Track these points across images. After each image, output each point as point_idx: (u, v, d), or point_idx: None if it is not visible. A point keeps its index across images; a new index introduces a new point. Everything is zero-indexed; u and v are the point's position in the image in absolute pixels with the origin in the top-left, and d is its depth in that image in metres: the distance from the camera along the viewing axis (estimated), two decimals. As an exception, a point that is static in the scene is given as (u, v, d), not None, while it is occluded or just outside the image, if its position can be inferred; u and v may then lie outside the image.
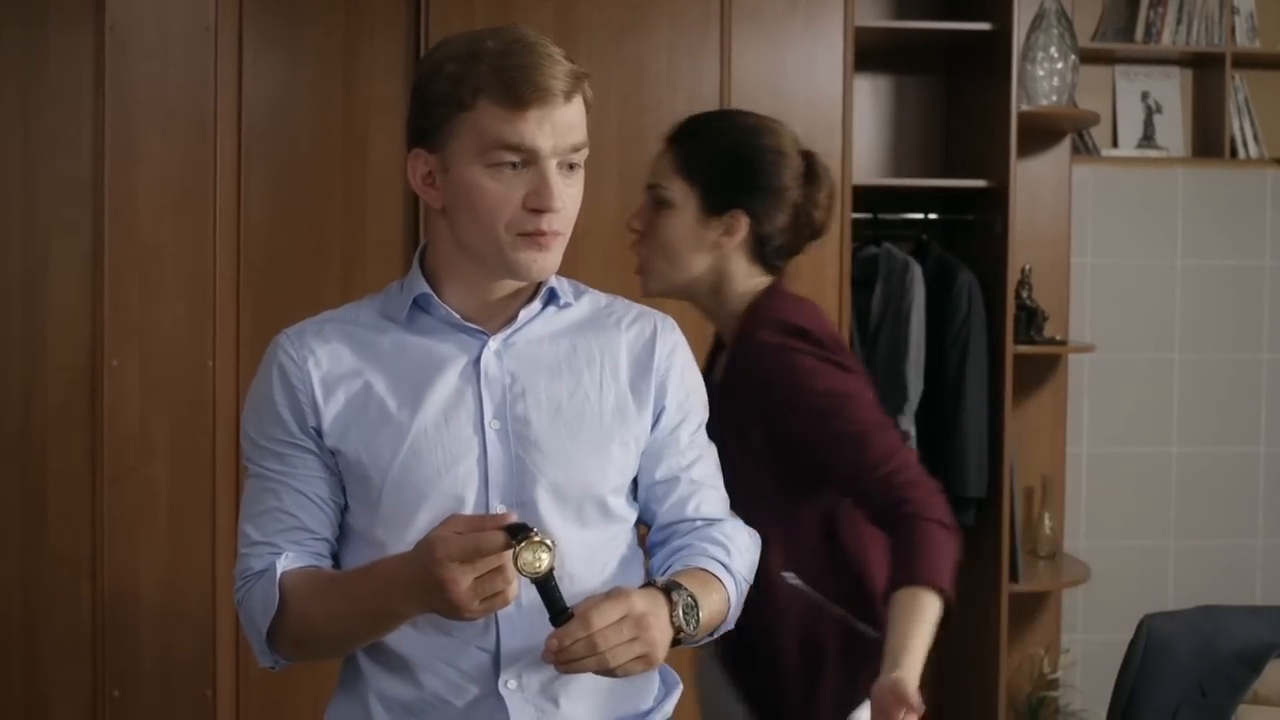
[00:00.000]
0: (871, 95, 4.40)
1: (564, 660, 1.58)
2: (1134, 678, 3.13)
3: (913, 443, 4.11)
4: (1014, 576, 4.10)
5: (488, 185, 1.72)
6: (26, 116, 3.47)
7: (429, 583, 1.56)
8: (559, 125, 1.71)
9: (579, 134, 1.75)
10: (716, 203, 2.28)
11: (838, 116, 3.82)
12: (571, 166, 1.76)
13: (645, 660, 1.62)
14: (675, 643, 1.69)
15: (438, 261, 1.85)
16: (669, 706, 1.95)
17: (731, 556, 1.83)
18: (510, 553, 1.54)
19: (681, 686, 1.98)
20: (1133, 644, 3.10)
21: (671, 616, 1.66)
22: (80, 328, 3.48)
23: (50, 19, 3.46)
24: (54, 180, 3.48)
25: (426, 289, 1.83)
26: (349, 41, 3.67)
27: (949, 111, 4.45)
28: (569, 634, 1.57)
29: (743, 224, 2.30)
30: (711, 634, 1.82)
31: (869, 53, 4.07)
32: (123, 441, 3.48)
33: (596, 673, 1.61)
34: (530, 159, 1.71)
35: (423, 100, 1.76)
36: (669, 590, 1.69)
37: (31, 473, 3.48)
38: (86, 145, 3.48)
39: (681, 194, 2.28)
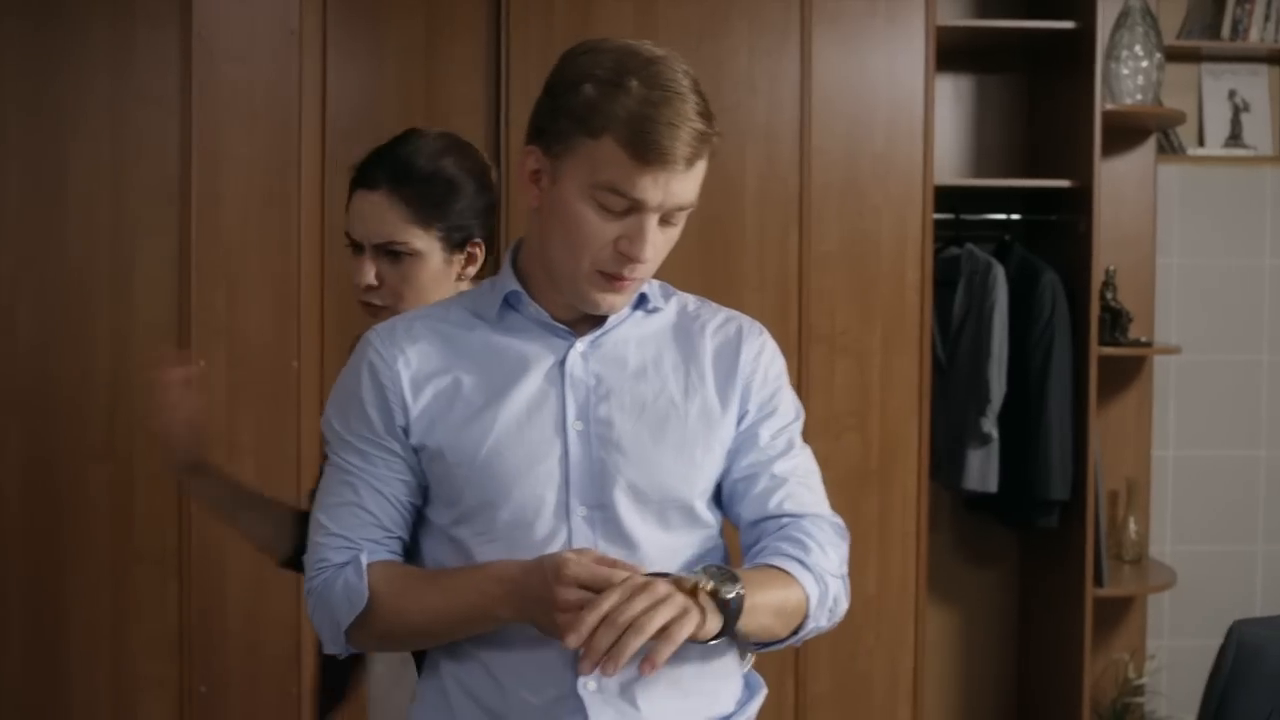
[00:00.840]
0: (953, 95, 4.37)
1: (597, 656, 1.55)
2: (1223, 685, 3.07)
3: (995, 445, 4.08)
4: (1099, 581, 4.05)
5: (587, 217, 1.72)
6: (114, 119, 3.51)
7: (543, 596, 1.59)
8: (672, 188, 1.70)
9: (690, 196, 1.74)
10: (457, 241, 2.25)
11: (919, 117, 3.80)
12: (669, 221, 1.76)
13: (687, 620, 1.57)
14: (728, 630, 1.64)
15: (530, 261, 1.86)
16: (752, 710, 1.93)
17: (809, 553, 1.80)
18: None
19: (765, 691, 1.96)
20: (1222, 650, 3.05)
21: (680, 585, 1.61)
22: (167, 328, 3.52)
23: (137, 22, 3.51)
24: (141, 182, 3.52)
25: (517, 287, 1.84)
26: (430, 43, 3.69)
27: (1032, 111, 4.41)
28: (584, 623, 1.55)
29: (480, 250, 2.29)
30: (797, 631, 1.79)
31: (950, 52, 4.04)
32: (209, 441, 3.51)
33: (655, 660, 1.56)
34: (635, 209, 1.71)
35: (554, 105, 1.75)
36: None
37: (119, 472, 3.53)
38: (173, 147, 3.52)
39: (424, 243, 2.22)
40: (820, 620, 1.80)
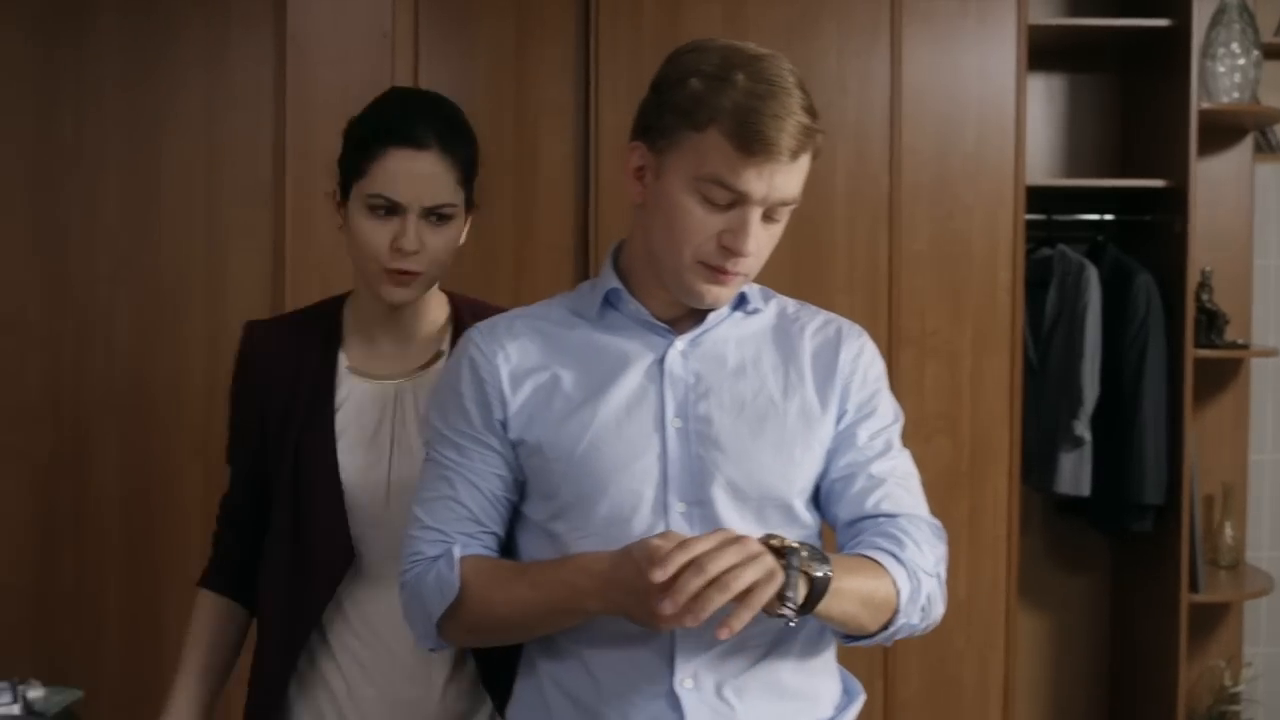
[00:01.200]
0: (1045, 94, 4.32)
1: (679, 598, 1.53)
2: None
3: (1088, 448, 4.03)
4: (1194, 586, 3.99)
5: (691, 210, 1.73)
6: (209, 120, 3.57)
7: (635, 584, 1.58)
8: (776, 180, 1.71)
9: (793, 190, 1.75)
10: (471, 199, 2.17)
11: (1011, 116, 3.76)
12: (773, 217, 1.76)
13: (771, 582, 1.55)
14: (809, 602, 1.62)
15: (632, 259, 1.87)
16: (851, 715, 1.91)
17: (904, 548, 1.78)
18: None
19: (864, 696, 1.94)
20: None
21: (768, 543, 1.60)
22: (261, 328, 3.55)
23: (232, 25, 3.56)
24: (235, 183, 3.57)
25: (618, 284, 1.86)
26: (520, 45, 3.71)
27: (1125, 110, 4.36)
28: (670, 562, 1.54)
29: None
30: (887, 626, 1.76)
31: (1042, 51, 4.01)
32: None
33: (733, 618, 1.54)
34: (739, 202, 1.72)
35: (660, 101, 1.77)
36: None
37: (215, 470, 3.55)
38: (267, 148, 3.56)
39: (460, 202, 2.13)
40: (912, 618, 1.77)
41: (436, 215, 2.09)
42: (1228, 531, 4.27)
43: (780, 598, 1.58)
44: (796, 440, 1.82)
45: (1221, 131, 4.22)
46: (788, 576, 1.58)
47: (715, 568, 1.53)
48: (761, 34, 3.65)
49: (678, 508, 1.77)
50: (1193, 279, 3.98)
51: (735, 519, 1.77)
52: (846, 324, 1.93)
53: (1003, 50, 3.77)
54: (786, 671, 1.81)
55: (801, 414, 1.83)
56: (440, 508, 1.85)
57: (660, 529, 1.75)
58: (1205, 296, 4.14)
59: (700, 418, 1.80)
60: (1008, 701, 3.82)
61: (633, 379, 1.82)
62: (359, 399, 2.20)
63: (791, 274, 3.60)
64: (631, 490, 1.77)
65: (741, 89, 1.69)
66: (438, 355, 2.21)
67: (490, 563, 1.82)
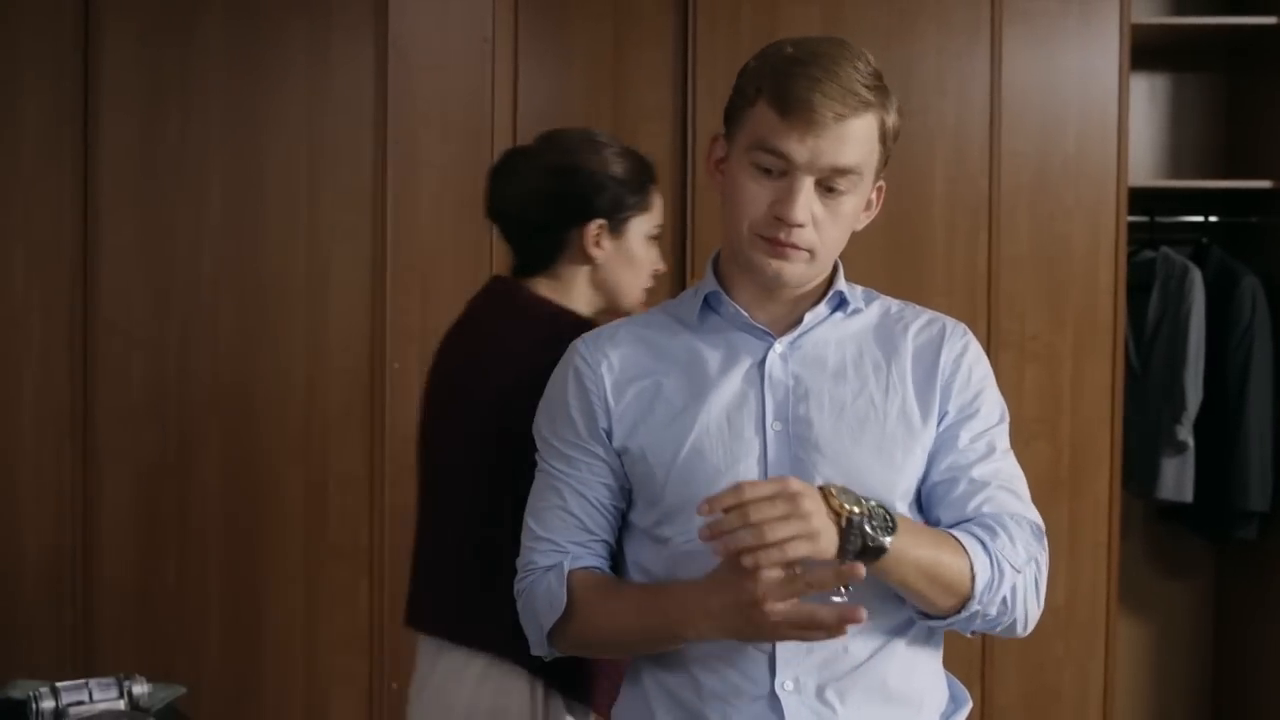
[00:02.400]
0: (1148, 94, 4.26)
1: (718, 532, 1.55)
2: None
3: (1191, 454, 3.98)
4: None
5: (746, 182, 1.76)
6: (311, 127, 3.60)
7: (744, 600, 1.59)
8: (821, 145, 1.71)
9: (846, 158, 1.73)
10: None
11: (1114, 117, 3.71)
12: (832, 189, 1.75)
13: (809, 541, 1.55)
14: (865, 553, 1.60)
15: (728, 261, 1.88)
16: None
17: (995, 537, 1.74)
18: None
19: (971, 704, 1.92)
20: None
21: (829, 502, 1.59)
22: (361, 331, 3.59)
23: (334, 32, 3.59)
24: (337, 188, 3.61)
25: (717, 287, 1.87)
26: (618, 51, 3.72)
27: (1230, 109, 4.29)
28: (720, 500, 1.56)
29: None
30: (960, 610, 1.72)
31: (1145, 50, 3.95)
32: (402, 442, 3.57)
33: (756, 555, 1.55)
34: (788, 169, 1.72)
35: (732, 90, 1.81)
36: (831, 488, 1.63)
37: (314, 471, 3.61)
38: (368, 154, 3.60)
39: None
40: (989, 608, 1.73)
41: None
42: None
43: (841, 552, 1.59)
44: (897, 443, 1.80)
45: (1329, 131, 4.14)
46: (846, 540, 1.59)
47: (758, 516, 1.54)
48: (861, 35, 3.62)
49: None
50: (1301, 282, 3.92)
51: None
52: (950, 323, 1.91)
53: (1105, 50, 3.72)
54: (892, 675, 1.79)
55: (902, 416, 1.81)
56: (551, 517, 1.87)
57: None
58: (1312, 299, 4.06)
59: (800, 420, 1.79)
60: (1107, 710, 3.78)
61: (733, 383, 1.82)
62: None
63: (889, 276, 3.58)
64: (700, 482, 1.77)
65: (786, 58, 1.73)
66: None
67: (598, 581, 1.83)
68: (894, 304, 1.94)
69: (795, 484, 1.57)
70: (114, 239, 3.61)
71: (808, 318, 1.84)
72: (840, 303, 1.88)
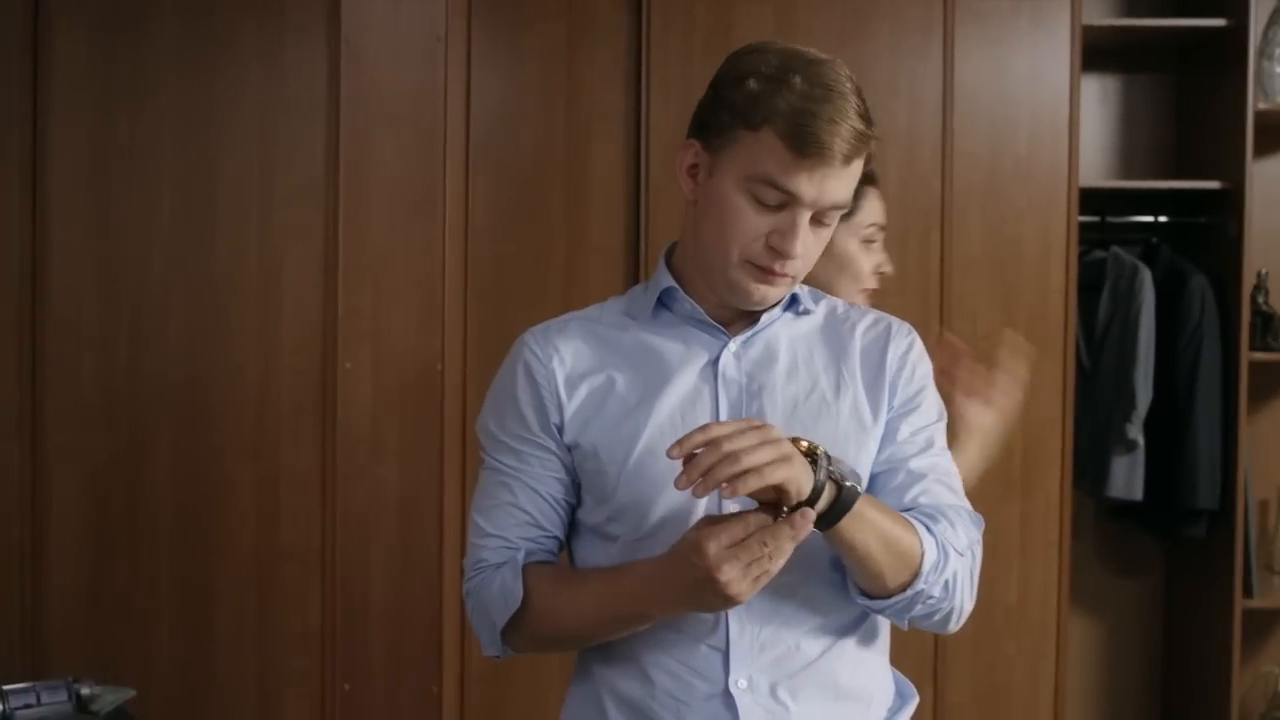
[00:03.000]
0: (1099, 95, 4.29)
1: (694, 473, 1.53)
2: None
3: (1141, 453, 4.01)
4: (1248, 592, 3.97)
5: (741, 209, 1.74)
6: (263, 126, 3.58)
7: (697, 578, 1.58)
8: (827, 184, 1.71)
9: (843, 195, 1.75)
10: None
11: (1064, 117, 3.74)
12: (822, 221, 1.76)
13: (785, 464, 1.55)
14: (833, 513, 1.61)
15: (684, 260, 1.88)
16: (904, 717, 1.92)
17: (937, 522, 1.77)
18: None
19: (918, 698, 1.94)
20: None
21: (795, 443, 1.59)
22: (313, 331, 3.57)
23: (287, 32, 3.57)
24: (290, 187, 3.58)
25: (672, 283, 1.86)
26: (572, 49, 3.71)
27: (1180, 111, 4.32)
28: (689, 440, 1.55)
29: None
30: (905, 589, 1.72)
31: (1096, 51, 3.98)
32: (354, 442, 3.57)
33: (735, 481, 1.53)
34: (789, 203, 1.72)
35: (717, 100, 1.77)
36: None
37: (266, 471, 3.59)
38: (320, 154, 3.58)
39: None
40: (934, 589, 1.74)
41: None
42: (1282, 539, 4.23)
43: (807, 501, 1.58)
44: (850, 439, 1.81)
45: (1278, 132, 4.17)
46: (816, 475, 1.58)
47: (730, 445, 1.54)
48: (813, 36, 3.64)
49: (732, 508, 1.74)
50: (1248, 281, 3.95)
51: None
52: (896, 322, 1.93)
53: (1056, 51, 3.75)
54: (842, 672, 1.81)
55: (854, 413, 1.83)
56: (501, 514, 1.86)
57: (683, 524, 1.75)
58: (1261, 299, 4.10)
59: (753, 418, 1.79)
60: (1058, 707, 3.80)
61: (687, 380, 1.82)
62: None
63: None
64: (686, 491, 1.77)
65: (798, 91, 1.69)
66: None
67: (553, 571, 1.83)
68: (839, 304, 1.96)
69: (759, 420, 1.60)
70: (64, 238, 3.58)
71: (763, 317, 1.85)
72: (792, 301, 1.89)
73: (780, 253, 1.74)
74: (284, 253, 3.59)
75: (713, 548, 1.56)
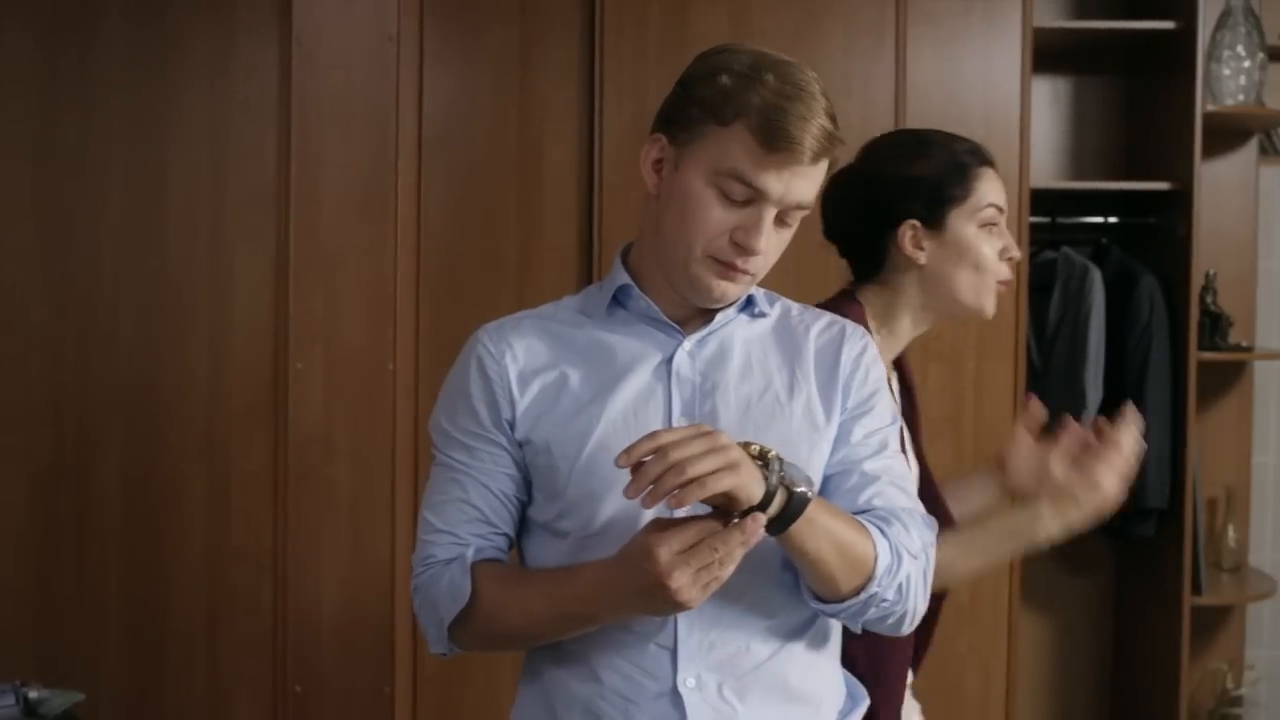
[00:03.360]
0: (1050, 96, 4.32)
1: (642, 483, 1.53)
2: (1325, 696, 3.03)
3: (1091, 451, 4.03)
4: (1197, 589, 4.00)
5: (707, 203, 1.75)
6: (214, 126, 3.55)
7: (647, 583, 1.58)
8: (794, 181, 1.73)
9: (809, 195, 1.76)
10: None
11: (1015, 118, 3.75)
12: (785, 221, 1.78)
13: (732, 472, 1.54)
14: (784, 518, 1.61)
15: (642, 258, 1.88)
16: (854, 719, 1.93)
17: (890, 525, 1.77)
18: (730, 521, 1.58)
19: (869, 702, 1.95)
20: (1325, 662, 3.01)
21: (745, 448, 1.59)
22: (265, 331, 3.55)
23: (237, 30, 3.55)
24: (240, 187, 3.56)
25: (628, 280, 1.87)
26: (525, 49, 3.71)
27: (1130, 112, 4.36)
28: (637, 449, 1.55)
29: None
30: (859, 593, 1.72)
31: (1047, 53, 4.00)
32: (306, 442, 3.56)
33: (681, 491, 1.52)
34: (755, 199, 1.73)
35: (686, 95, 1.78)
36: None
37: (216, 472, 3.57)
38: (271, 153, 3.56)
39: None
40: (888, 592, 1.74)
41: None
42: (1230, 534, 4.27)
43: (758, 507, 1.58)
44: (803, 439, 1.82)
45: (1226, 134, 4.21)
46: (767, 482, 1.58)
47: (677, 454, 1.53)
48: (767, 36, 3.64)
49: (683, 511, 1.76)
50: (1197, 282, 3.98)
51: None
52: (850, 325, 1.95)
53: (1007, 52, 3.76)
54: (792, 674, 1.81)
55: (807, 414, 1.84)
56: (451, 510, 1.86)
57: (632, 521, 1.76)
58: (1209, 299, 4.13)
59: (706, 417, 1.80)
60: (1010, 705, 3.82)
61: (640, 378, 1.83)
62: None
63: (796, 277, 3.57)
64: (604, 476, 1.77)
65: (770, 88, 1.71)
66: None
67: (502, 569, 1.83)
68: (794, 306, 1.97)
69: (708, 426, 1.59)
70: (11, 239, 3.54)
71: (718, 316, 1.86)
72: (748, 303, 1.90)
73: (744, 248, 1.75)
74: (235, 253, 3.57)
75: (664, 554, 1.56)
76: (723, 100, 1.73)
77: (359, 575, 3.58)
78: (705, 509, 1.61)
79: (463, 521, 1.85)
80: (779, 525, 1.61)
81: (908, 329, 2.34)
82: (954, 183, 2.25)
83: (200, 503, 3.56)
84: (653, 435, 1.56)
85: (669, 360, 1.83)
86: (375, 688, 3.60)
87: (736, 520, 1.58)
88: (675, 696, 1.76)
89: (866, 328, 2.15)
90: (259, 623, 3.58)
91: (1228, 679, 4.25)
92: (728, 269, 1.77)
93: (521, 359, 1.85)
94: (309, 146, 3.54)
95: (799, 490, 1.61)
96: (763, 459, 1.60)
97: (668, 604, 1.59)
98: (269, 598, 3.57)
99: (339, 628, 3.59)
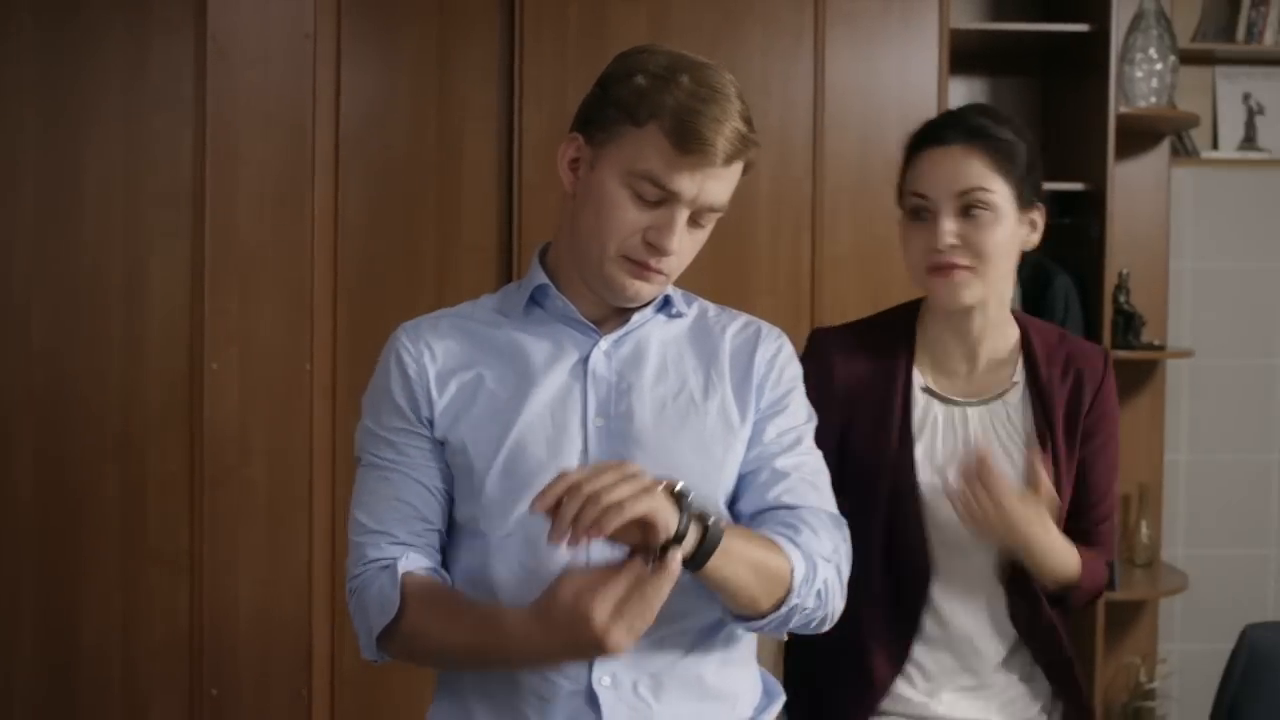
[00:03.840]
0: (967, 97, 4.35)
1: (563, 526, 1.52)
2: (1234, 690, 3.07)
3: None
4: (1110, 584, 4.04)
5: (621, 203, 1.76)
6: (128, 122, 3.52)
7: (581, 640, 1.57)
8: (708, 185, 1.75)
9: (722, 198, 1.78)
10: (1026, 199, 2.21)
11: (932, 120, 3.78)
12: (698, 223, 1.79)
13: (648, 496, 1.54)
14: (702, 554, 1.62)
15: (559, 258, 1.89)
16: (770, 716, 1.94)
17: (799, 533, 1.79)
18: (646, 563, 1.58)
19: (784, 698, 1.96)
20: (1234, 655, 3.04)
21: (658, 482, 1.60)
22: (180, 331, 3.52)
23: (153, 27, 3.51)
24: (155, 186, 3.52)
25: (545, 280, 1.87)
26: (443, 48, 3.70)
27: (1045, 114, 4.40)
28: (550, 492, 1.54)
29: (1041, 214, 2.25)
30: (779, 607, 1.74)
31: (964, 55, 4.03)
32: (222, 443, 3.53)
33: (601, 519, 1.52)
34: (668, 200, 1.74)
35: (604, 96, 1.79)
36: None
37: (132, 474, 3.53)
38: (187, 151, 3.52)
39: (1003, 196, 2.17)
40: (807, 600, 1.77)
41: (968, 206, 2.15)
42: (1144, 530, 4.32)
43: (674, 540, 1.58)
44: (717, 439, 1.84)
45: (1139, 135, 4.26)
46: (681, 517, 1.58)
47: (590, 487, 1.53)
48: (686, 37, 3.66)
49: (599, 549, 1.76)
50: (1110, 281, 4.03)
51: None
52: (765, 326, 1.96)
53: (924, 53, 3.80)
54: (707, 671, 1.83)
55: (721, 414, 1.85)
56: (383, 508, 1.84)
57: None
58: (1122, 298, 4.18)
59: (621, 416, 1.82)
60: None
61: (557, 378, 1.83)
62: (934, 420, 2.24)
63: (714, 276, 3.60)
64: (521, 475, 1.79)
65: (685, 90, 1.72)
66: (1011, 386, 2.27)
67: (433, 591, 1.79)
68: (711, 307, 1.98)
69: (615, 461, 1.60)
70: (-79, 237, 3.50)
71: (635, 316, 1.87)
72: (665, 303, 1.91)
73: (656, 249, 1.76)
74: (150, 252, 3.53)
75: (599, 615, 1.55)
76: (638, 101, 1.73)
77: (276, 577, 3.56)
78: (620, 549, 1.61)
79: (395, 520, 1.83)
80: (697, 560, 1.62)
81: None
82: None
83: (115, 505, 3.53)
84: (562, 476, 1.55)
85: (585, 360, 1.84)
86: (293, 690, 3.58)
87: (656, 558, 1.58)
88: (590, 695, 1.77)
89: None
90: (175, 625, 3.55)
91: (1141, 673, 4.30)
92: (641, 268, 1.78)
93: (440, 359, 1.85)
94: (225, 145, 3.51)
95: (712, 521, 1.62)
96: (670, 491, 1.60)
97: (601, 654, 1.59)
98: (185, 600, 3.54)
99: (256, 630, 3.57)
